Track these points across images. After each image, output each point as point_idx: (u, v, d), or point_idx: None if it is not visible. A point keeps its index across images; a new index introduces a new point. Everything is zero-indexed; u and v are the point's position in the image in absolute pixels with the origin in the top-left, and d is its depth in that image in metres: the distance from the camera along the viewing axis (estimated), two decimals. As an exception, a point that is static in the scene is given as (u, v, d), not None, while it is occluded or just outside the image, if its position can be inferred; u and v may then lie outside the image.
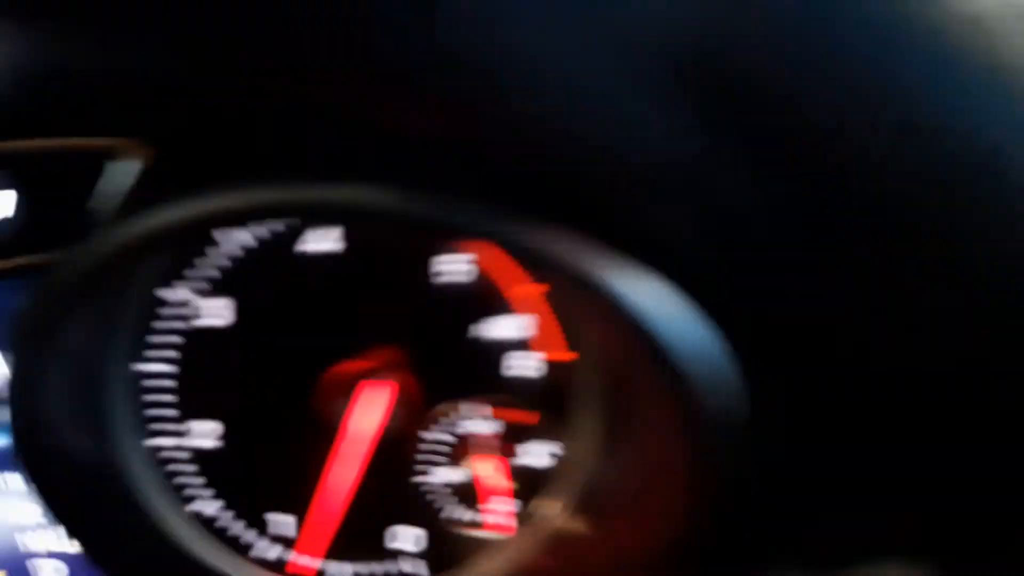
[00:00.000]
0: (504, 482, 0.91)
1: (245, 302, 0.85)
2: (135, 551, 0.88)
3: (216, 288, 0.85)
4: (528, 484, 0.91)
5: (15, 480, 0.93)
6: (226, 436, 0.89)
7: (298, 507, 0.90)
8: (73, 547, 0.90)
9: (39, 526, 0.94)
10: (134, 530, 0.88)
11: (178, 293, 0.84)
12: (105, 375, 0.85)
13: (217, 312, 0.85)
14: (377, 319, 0.86)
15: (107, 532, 0.87)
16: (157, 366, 0.87)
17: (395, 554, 0.94)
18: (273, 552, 0.92)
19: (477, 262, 0.85)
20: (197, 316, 0.85)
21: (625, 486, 0.87)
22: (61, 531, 0.86)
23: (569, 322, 0.86)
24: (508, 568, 0.92)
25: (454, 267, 0.85)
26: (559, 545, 0.91)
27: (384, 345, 0.87)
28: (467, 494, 0.92)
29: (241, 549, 0.92)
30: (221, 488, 0.91)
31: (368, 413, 0.85)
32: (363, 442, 0.87)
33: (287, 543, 0.92)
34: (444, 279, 0.85)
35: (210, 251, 0.84)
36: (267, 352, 0.86)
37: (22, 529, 0.94)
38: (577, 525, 0.90)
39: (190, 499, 0.90)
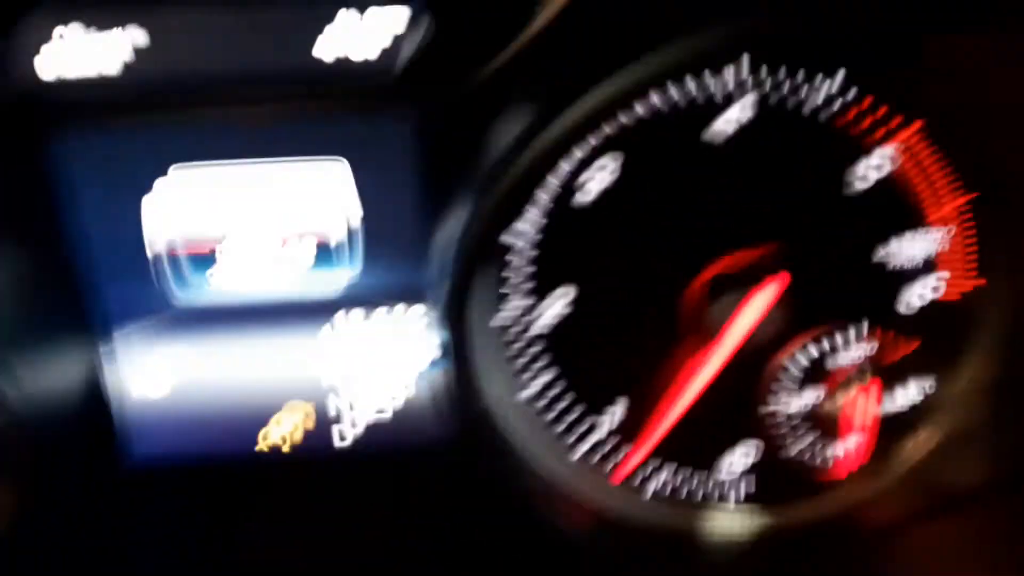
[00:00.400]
0: (868, 416, 0.84)
1: (631, 175, 0.79)
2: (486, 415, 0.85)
3: (605, 146, 0.78)
4: (892, 420, 0.85)
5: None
6: (576, 316, 0.83)
7: (636, 400, 0.85)
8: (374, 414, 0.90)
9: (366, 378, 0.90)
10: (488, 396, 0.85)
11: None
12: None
13: (599, 183, 0.79)
14: (772, 216, 0.80)
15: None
16: (524, 238, 0.82)
17: (717, 475, 0.88)
18: (600, 441, 0.87)
19: (895, 173, 0.79)
20: (576, 189, 0.80)
21: (996, 426, 0.81)
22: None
23: (986, 242, 0.80)
24: (850, 506, 0.86)
25: (870, 174, 0.78)
26: (910, 485, 0.85)
27: (769, 248, 0.80)
28: (822, 423, 0.85)
29: (570, 439, 0.87)
30: (563, 371, 0.85)
31: (748, 316, 0.80)
32: (732, 346, 0.81)
33: (617, 434, 0.87)
34: (856, 188, 0.79)
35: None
36: (643, 231, 0.80)
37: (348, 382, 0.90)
38: (935, 465, 0.84)
39: (529, 380, 0.85)
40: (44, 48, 0.72)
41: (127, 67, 0.74)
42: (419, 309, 0.87)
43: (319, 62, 0.76)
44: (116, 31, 0.73)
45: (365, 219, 0.84)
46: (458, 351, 0.76)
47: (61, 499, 0.84)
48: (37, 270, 0.78)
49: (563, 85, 0.71)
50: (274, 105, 0.78)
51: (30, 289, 0.77)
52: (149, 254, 0.82)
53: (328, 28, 0.75)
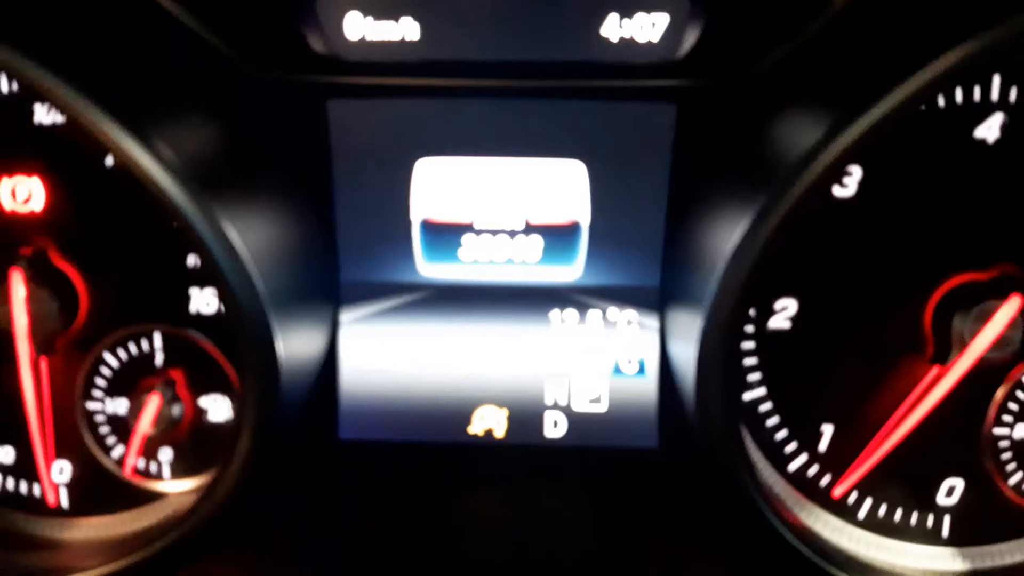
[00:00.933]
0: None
1: (876, 183, 0.79)
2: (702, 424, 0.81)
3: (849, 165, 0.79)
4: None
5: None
6: (793, 333, 0.82)
7: (846, 426, 0.84)
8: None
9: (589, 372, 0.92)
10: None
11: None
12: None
13: (847, 182, 0.79)
14: (1017, 232, 0.78)
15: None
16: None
17: (927, 506, 0.86)
18: (808, 462, 0.85)
19: None
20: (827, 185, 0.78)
21: None
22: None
23: None
24: None
25: None
26: None
27: (1009, 264, 0.78)
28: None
29: (774, 452, 0.85)
30: (776, 380, 0.84)
31: (988, 335, 0.77)
32: (966, 367, 0.77)
33: (819, 458, 0.85)
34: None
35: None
36: (883, 242, 0.79)
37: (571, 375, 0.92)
38: None
39: (744, 386, 0.85)
40: (349, 13, 0.80)
41: (421, 41, 0.81)
42: (634, 311, 0.90)
43: (605, 41, 0.80)
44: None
45: (594, 220, 0.88)
46: (719, 356, 0.75)
47: (279, 471, 0.88)
48: (302, 232, 0.84)
49: (864, 83, 0.71)
50: (545, 88, 0.82)
51: (292, 253, 0.81)
52: (412, 221, 0.88)
53: (613, 11, 0.80)
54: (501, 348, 0.90)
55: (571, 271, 0.89)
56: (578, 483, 0.91)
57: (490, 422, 0.91)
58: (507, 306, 0.89)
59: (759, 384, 0.85)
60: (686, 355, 0.77)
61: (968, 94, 0.77)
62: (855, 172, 0.80)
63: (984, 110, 0.77)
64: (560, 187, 0.87)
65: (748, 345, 0.84)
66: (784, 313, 0.84)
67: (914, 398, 0.81)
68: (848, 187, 0.80)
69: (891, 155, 0.79)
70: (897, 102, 0.64)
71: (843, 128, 0.68)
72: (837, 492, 0.85)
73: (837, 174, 0.74)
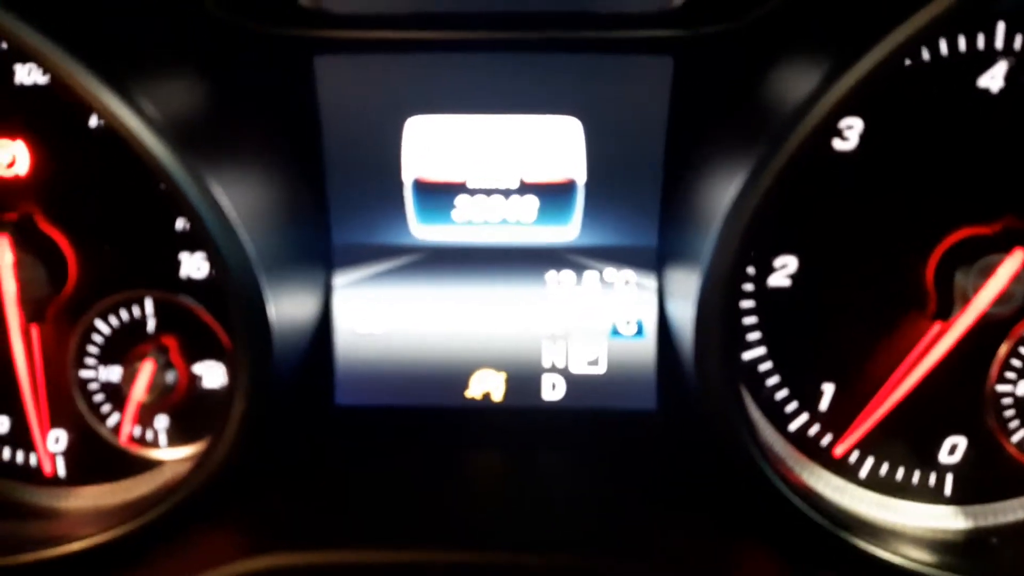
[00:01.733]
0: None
1: (878, 136, 0.77)
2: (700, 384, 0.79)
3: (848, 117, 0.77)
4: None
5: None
6: (793, 290, 0.82)
7: (848, 384, 0.83)
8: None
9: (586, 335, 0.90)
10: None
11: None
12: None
13: (847, 135, 0.77)
14: (1021, 185, 0.76)
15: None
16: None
17: (929, 464, 0.85)
18: (809, 422, 0.84)
19: None
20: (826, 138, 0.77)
21: None
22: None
23: None
24: None
25: None
26: None
27: (1013, 217, 0.77)
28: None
29: (774, 412, 0.84)
30: (776, 339, 0.83)
31: (991, 289, 0.75)
32: (969, 322, 0.76)
33: (828, 417, 0.84)
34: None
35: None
36: (884, 196, 0.78)
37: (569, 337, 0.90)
38: None
39: (743, 345, 0.83)
40: None
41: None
42: (632, 271, 0.88)
43: None
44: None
45: (590, 179, 0.86)
46: (718, 315, 0.73)
47: (275, 437, 0.87)
48: (291, 194, 0.82)
49: (859, 30, 0.68)
50: (538, 40, 0.80)
51: (281, 216, 0.80)
52: (403, 182, 0.86)
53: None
54: (497, 310, 0.89)
55: (567, 231, 0.87)
56: (577, 445, 0.90)
57: (488, 385, 0.90)
58: (503, 267, 0.88)
59: (759, 343, 0.84)
60: (684, 314, 0.76)
61: (972, 42, 0.75)
62: (856, 125, 0.78)
63: (988, 58, 0.75)
64: (555, 144, 0.85)
65: (747, 304, 0.83)
66: (784, 271, 0.82)
67: (916, 355, 0.80)
68: (849, 140, 0.78)
69: (893, 106, 0.77)
70: (892, 49, 0.62)
71: (838, 77, 0.65)
72: (838, 451, 0.84)
73: (835, 125, 0.72)
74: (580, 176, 0.86)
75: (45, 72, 0.77)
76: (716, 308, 0.71)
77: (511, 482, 0.88)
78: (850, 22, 0.71)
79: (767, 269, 0.82)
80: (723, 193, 0.71)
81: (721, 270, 0.69)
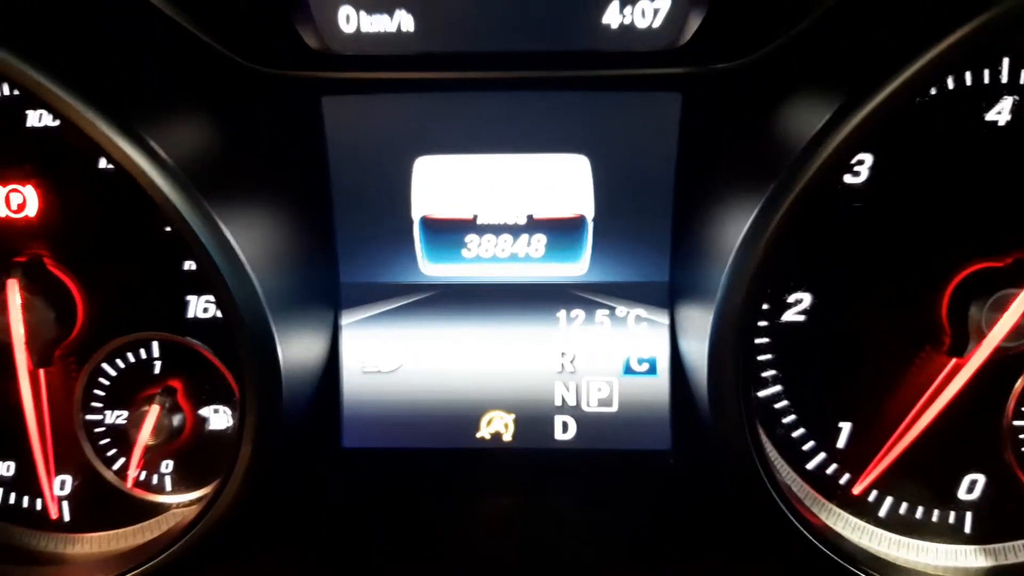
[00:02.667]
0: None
1: (887, 165, 0.77)
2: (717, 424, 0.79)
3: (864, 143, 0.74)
4: None
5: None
6: (807, 327, 0.80)
7: (864, 424, 0.81)
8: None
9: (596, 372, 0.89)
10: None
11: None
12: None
13: (859, 170, 0.77)
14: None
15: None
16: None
17: (949, 503, 0.83)
18: (826, 460, 0.83)
19: None
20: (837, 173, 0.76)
21: None
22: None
23: None
24: None
25: None
26: None
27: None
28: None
29: (791, 451, 0.83)
30: (791, 376, 0.82)
31: (1007, 323, 0.74)
32: (984, 356, 0.75)
33: (837, 455, 0.82)
34: None
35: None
36: (896, 231, 0.77)
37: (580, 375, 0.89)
38: None
39: (759, 383, 0.82)
40: (342, 7, 0.77)
41: (416, 34, 0.78)
42: (643, 308, 0.88)
43: (606, 29, 0.77)
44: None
45: (599, 215, 0.86)
46: (731, 353, 0.72)
47: (281, 480, 0.86)
48: (299, 233, 0.82)
49: (869, 66, 0.68)
50: (547, 79, 0.80)
51: (290, 255, 0.80)
52: (412, 220, 0.86)
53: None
54: (507, 349, 0.88)
55: (577, 267, 0.87)
56: (589, 487, 0.89)
57: (498, 426, 0.89)
58: (512, 305, 0.87)
59: (774, 381, 0.83)
60: (698, 351, 0.75)
61: (978, 77, 0.75)
62: (866, 159, 0.77)
63: (994, 93, 0.75)
64: (564, 181, 0.85)
65: (762, 341, 0.82)
66: (798, 307, 0.81)
67: (932, 392, 0.79)
68: (860, 175, 0.78)
69: (902, 141, 0.76)
70: (902, 84, 0.62)
71: (850, 112, 0.65)
72: (856, 490, 0.83)
73: (846, 161, 0.71)
74: (589, 212, 0.85)
75: (56, 116, 0.77)
76: (730, 344, 0.70)
77: (522, 526, 0.86)
78: (861, 57, 0.71)
79: (781, 306, 0.81)
80: (735, 228, 0.70)
81: (735, 306, 0.68)
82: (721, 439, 0.75)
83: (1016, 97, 0.74)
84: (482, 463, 0.90)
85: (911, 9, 0.70)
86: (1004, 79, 0.75)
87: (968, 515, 0.83)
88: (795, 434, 0.83)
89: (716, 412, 0.73)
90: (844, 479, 0.83)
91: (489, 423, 0.89)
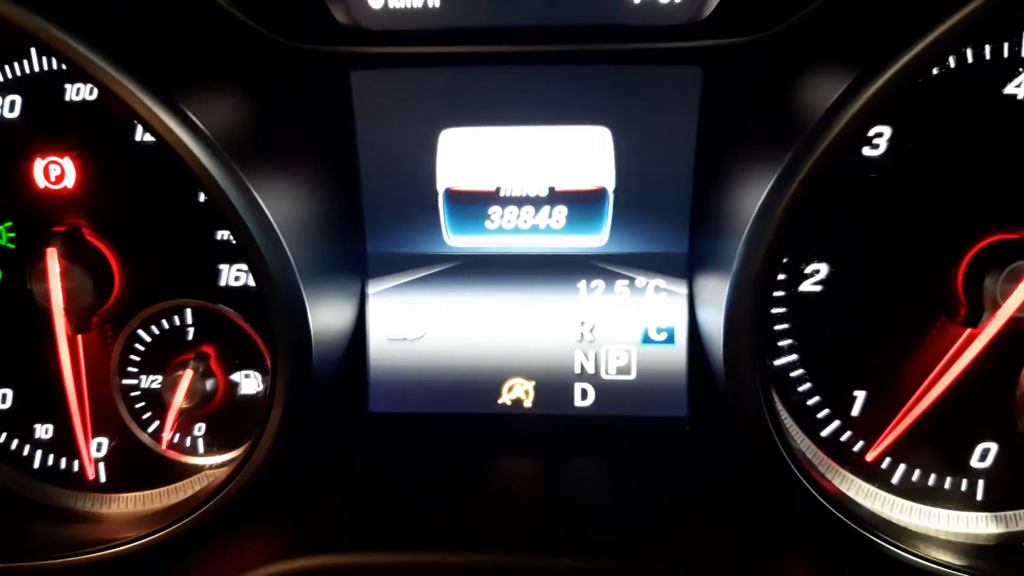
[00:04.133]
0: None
1: (906, 138, 0.78)
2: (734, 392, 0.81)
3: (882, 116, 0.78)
4: None
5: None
6: (824, 296, 0.82)
7: (879, 391, 0.83)
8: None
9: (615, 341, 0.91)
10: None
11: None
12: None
13: (877, 142, 0.78)
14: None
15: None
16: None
17: (961, 470, 0.84)
18: (841, 428, 0.84)
19: None
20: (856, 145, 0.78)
21: None
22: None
23: None
24: None
25: None
26: None
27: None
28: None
29: (807, 418, 0.84)
30: (807, 345, 0.83)
31: (1020, 294, 0.75)
32: (998, 326, 0.76)
33: (852, 423, 0.84)
34: None
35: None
36: (914, 202, 0.79)
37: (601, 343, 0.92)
38: None
39: (775, 351, 0.84)
40: None
41: (442, 8, 0.80)
42: (662, 279, 0.89)
43: (628, 3, 0.79)
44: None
45: (619, 187, 0.87)
46: (749, 321, 0.74)
47: (310, 443, 0.89)
48: (329, 204, 0.84)
49: (885, 38, 0.69)
50: (569, 53, 0.82)
51: (320, 225, 0.82)
52: (436, 192, 0.88)
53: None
54: (529, 318, 0.90)
55: (598, 239, 0.89)
56: (608, 452, 0.91)
57: (519, 392, 0.92)
58: (534, 275, 0.89)
59: (790, 350, 0.84)
60: (715, 320, 0.77)
61: (998, 51, 0.76)
62: (885, 132, 0.79)
63: (1014, 66, 0.76)
64: (585, 153, 0.86)
65: (779, 310, 0.84)
66: (815, 277, 0.83)
67: (946, 361, 0.80)
68: (878, 148, 0.79)
69: (921, 114, 0.78)
70: (914, 57, 0.63)
71: (864, 85, 0.66)
72: (870, 457, 0.84)
73: (862, 133, 0.73)
74: (610, 184, 0.87)
75: (98, 88, 0.79)
76: (746, 314, 0.72)
77: (542, 489, 0.89)
78: (876, 31, 0.72)
79: (798, 276, 0.83)
80: (752, 199, 0.72)
81: (751, 275, 0.69)
82: (736, 406, 0.77)
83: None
84: (503, 428, 0.92)
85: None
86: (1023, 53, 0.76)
87: (980, 483, 0.85)
88: (810, 402, 0.85)
89: (732, 380, 0.75)
90: (858, 446, 0.85)
91: (511, 390, 0.92)
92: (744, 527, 0.83)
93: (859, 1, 0.76)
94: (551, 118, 0.85)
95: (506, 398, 0.92)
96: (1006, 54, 0.75)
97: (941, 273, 0.80)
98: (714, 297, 0.78)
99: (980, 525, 0.85)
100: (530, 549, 0.79)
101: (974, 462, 0.85)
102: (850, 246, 0.82)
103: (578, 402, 0.92)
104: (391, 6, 0.80)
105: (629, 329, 0.90)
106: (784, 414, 0.85)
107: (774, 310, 0.84)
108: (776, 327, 0.84)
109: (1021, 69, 0.75)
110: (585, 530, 0.83)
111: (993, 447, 0.84)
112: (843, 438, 0.86)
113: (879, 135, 0.79)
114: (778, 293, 0.83)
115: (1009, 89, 0.75)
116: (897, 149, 0.79)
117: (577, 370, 0.91)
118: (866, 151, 0.79)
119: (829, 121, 0.68)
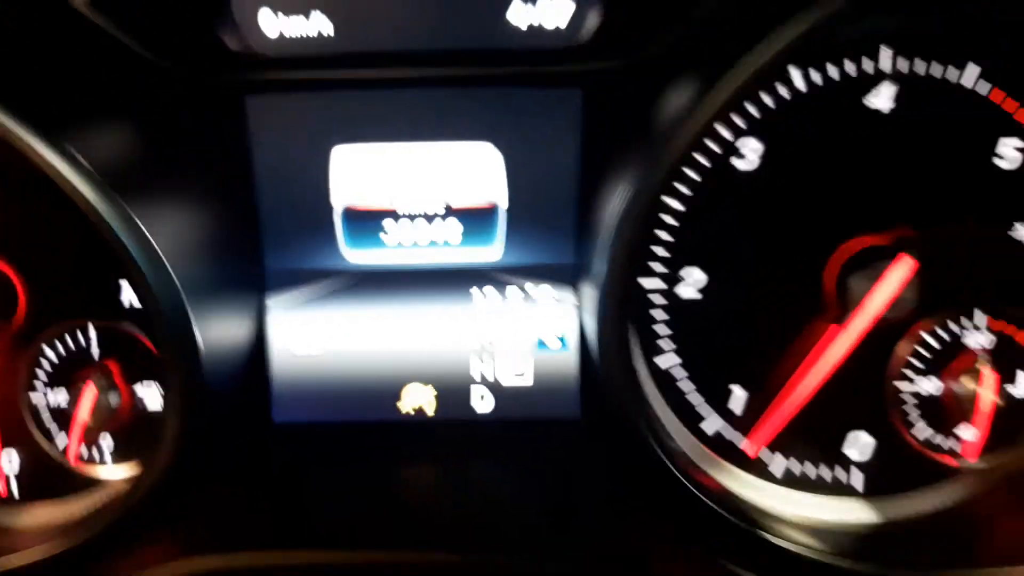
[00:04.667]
0: (988, 406, 0.84)
1: (775, 157, 0.82)
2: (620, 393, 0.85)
3: (752, 129, 0.82)
4: (1012, 412, 0.85)
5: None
6: (709, 289, 0.86)
7: (758, 388, 0.87)
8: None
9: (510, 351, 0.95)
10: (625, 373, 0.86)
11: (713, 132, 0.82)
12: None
13: (747, 154, 0.83)
14: (910, 194, 0.82)
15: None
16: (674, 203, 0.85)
17: (839, 461, 0.89)
18: (716, 425, 0.89)
19: None
20: (723, 158, 0.83)
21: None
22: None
23: None
24: (958, 501, 0.86)
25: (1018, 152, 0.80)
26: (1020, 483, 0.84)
27: (904, 228, 0.83)
28: (947, 410, 0.86)
29: (690, 416, 0.89)
30: (687, 345, 0.88)
31: (882, 295, 0.81)
32: (863, 326, 0.82)
33: (734, 420, 0.88)
34: (1002, 166, 0.80)
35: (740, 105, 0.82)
36: (784, 210, 0.84)
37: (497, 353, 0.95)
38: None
39: (656, 351, 0.88)
40: (261, 10, 0.83)
41: (334, 34, 0.84)
42: (553, 288, 0.93)
43: (511, 28, 0.83)
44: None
45: (511, 202, 0.91)
46: (615, 324, 0.79)
47: (213, 454, 0.91)
48: (222, 225, 0.87)
49: (718, 59, 0.75)
50: (456, 76, 0.86)
51: (212, 246, 0.85)
52: (333, 208, 0.91)
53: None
54: (428, 328, 0.94)
55: (491, 252, 0.93)
56: (507, 454, 0.94)
57: (420, 399, 0.95)
58: (431, 288, 0.93)
59: (672, 350, 0.89)
60: (591, 326, 0.81)
61: (859, 65, 0.80)
62: (753, 145, 0.83)
63: (875, 80, 0.80)
64: (477, 171, 0.91)
65: (660, 314, 0.88)
66: (693, 282, 0.87)
67: (817, 358, 0.85)
68: (750, 160, 0.84)
69: (790, 127, 0.82)
70: (739, 81, 0.69)
71: (700, 104, 0.72)
72: (750, 451, 0.89)
73: (699, 148, 0.79)
74: (502, 200, 0.91)
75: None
76: (612, 319, 0.77)
77: (444, 490, 0.92)
78: (720, 51, 0.77)
79: (676, 280, 0.87)
80: (615, 210, 0.77)
81: (610, 284, 0.74)
82: (614, 406, 0.81)
83: (895, 84, 0.80)
84: (406, 434, 0.96)
85: (760, 9, 0.76)
86: (885, 67, 0.80)
87: (857, 472, 0.90)
88: (693, 400, 0.89)
89: (607, 382, 0.79)
90: (739, 441, 0.89)
91: (411, 397, 0.95)
92: (635, 523, 0.87)
93: (721, 24, 0.80)
94: (442, 136, 0.89)
95: (408, 406, 0.95)
96: (869, 69, 0.80)
97: (812, 275, 0.85)
98: (589, 304, 0.82)
99: (859, 513, 0.89)
100: (430, 547, 0.83)
101: (850, 453, 0.89)
102: (727, 253, 0.86)
103: (478, 407, 0.96)
104: (285, 34, 0.84)
105: (524, 337, 0.94)
106: (668, 412, 0.89)
107: (655, 313, 0.88)
108: (657, 328, 0.88)
109: (880, 82, 0.80)
110: (484, 529, 0.86)
111: (867, 438, 0.89)
112: (725, 433, 0.90)
113: (749, 148, 0.83)
114: (658, 298, 0.87)
115: (870, 101, 0.80)
116: (768, 161, 0.83)
117: (476, 377, 0.95)
118: (738, 164, 0.84)
119: (668, 140, 0.74)
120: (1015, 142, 0.80)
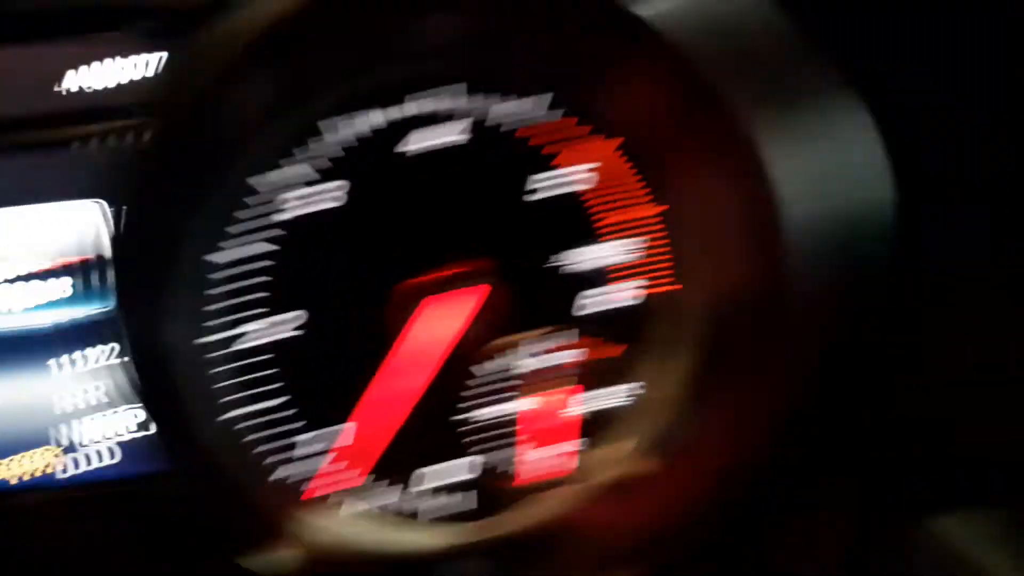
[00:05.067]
0: (571, 420, 0.88)
1: (359, 188, 0.85)
2: (202, 441, 0.87)
3: (317, 179, 0.85)
4: (598, 424, 0.89)
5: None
6: (305, 333, 0.87)
7: (357, 416, 0.88)
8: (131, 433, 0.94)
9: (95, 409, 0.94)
10: (204, 421, 0.88)
11: (270, 179, 0.84)
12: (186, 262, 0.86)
13: (314, 202, 0.85)
14: (462, 233, 0.86)
15: (181, 417, 0.87)
16: (242, 252, 0.86)
17: (445, 489, 0.90)
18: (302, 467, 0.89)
19: (583, 181, 0.85)
20: (286, 207, 0.85)
21: (703, 432, 0.84)
22: (125, 415, 0.91)
23: (681, 249, 0.85)
24: (558, 515, 0.88)
25: (555, 184, 0.85)
26: (618, 492, 0.87)
27: (470, 261, 0.87)
28: (523, 431, 0.89)
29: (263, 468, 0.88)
30: (290, 390, 0.88)
31: (430, 330, 0.85)
32: (433, 358, 0.86)
33: (345, 455, 0.89)
34: (541, 196, 0.86)
35: (311, 142, 0.85)
36: (346, 253, 0.87)
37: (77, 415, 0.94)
38: (642, 471, 0.86)
39: (258, 397, 0.89)
40: None
41: None
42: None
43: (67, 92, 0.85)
44: None
45: (116, 257, 0.89)
46: (156, 377, 0.81)
47: None
48: None
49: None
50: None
51: None
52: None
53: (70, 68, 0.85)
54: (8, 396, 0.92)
55: (95, 310, 0.92)
56: (97, 520, 0.93)
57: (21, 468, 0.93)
58: (10, 352, 0.91)
59: (280, 392, 0.89)
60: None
61: (389, 114, 0.84)
62: (342, 185, 0.86)
63: (404, 128, 0.85)
64: (80, 226, 0.90)
65: (265, 356, 0.88)
66: (292, 324, 0.89)
67: (392, 394, 0.87)
68: (338, 200, 0.86)
69: (367, 168, 0.86)
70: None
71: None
72: (360, 482, 0.90)
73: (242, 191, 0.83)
74: (106, 254, 0.91)
75: None
76: (155, 383, 0.78)
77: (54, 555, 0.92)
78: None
79: (277, 324, 0.88)
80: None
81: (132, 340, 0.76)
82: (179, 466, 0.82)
83: (416, 130, 0.85)
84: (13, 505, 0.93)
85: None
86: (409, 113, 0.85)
87: (458, 495, 0.91)
88: (304, 437, 0.90)
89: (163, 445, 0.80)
90: (345, 478, 0.90)
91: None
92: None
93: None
94: (40, 197, 0.89)
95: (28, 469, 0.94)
96: (398, 116, 0.84)
97: (380, 312, 0.88)
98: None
99: (465, 535, 0.90)
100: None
101: (452, 478, 0.90)
102: (322, 292, 0.89)
103: (59, 474, 0.93)
104: None
105: (106, 399, 0.92)
106: (275, 452, 0.89)
107: (262, 357, 0.89)
108: (266, 372, 0.89)
109: (410, 130, 0.85)
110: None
111: (446, 464, 0.90)
112: (340, 467, 0.90)
113: (339, 188, 0.86)
114: (261, 341, 0.88)
115: (399, 148, 0.85)
116: (355, 200, 0.86)
117: (62, 443, 0.93)
118: (328, 204, 0.86)
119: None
120: (547, 178, 0.85)
